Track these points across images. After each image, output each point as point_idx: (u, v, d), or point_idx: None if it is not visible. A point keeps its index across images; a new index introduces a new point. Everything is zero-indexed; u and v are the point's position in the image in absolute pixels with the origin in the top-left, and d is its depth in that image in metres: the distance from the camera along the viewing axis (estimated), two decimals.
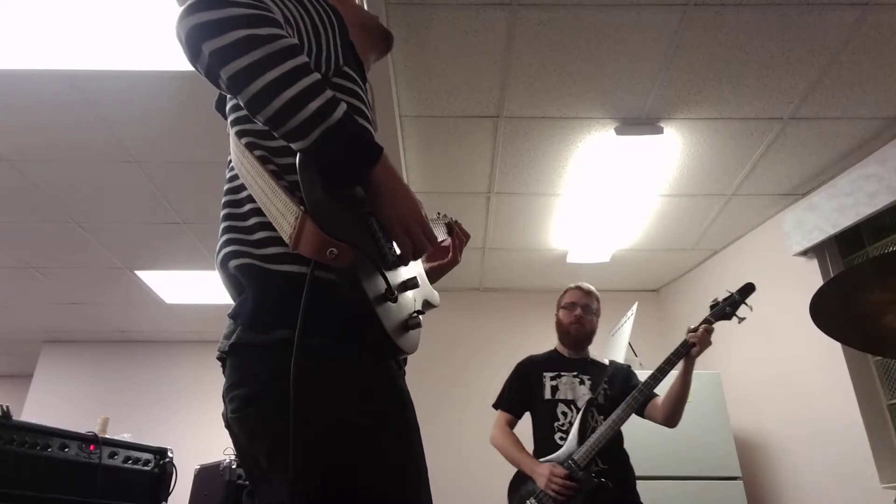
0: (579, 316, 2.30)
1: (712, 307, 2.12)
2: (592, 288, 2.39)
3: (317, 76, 0.78)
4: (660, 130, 2.79)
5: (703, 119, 2.77)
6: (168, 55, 2.36)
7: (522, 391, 2.32)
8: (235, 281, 0.90)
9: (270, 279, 0.84)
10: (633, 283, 4.60)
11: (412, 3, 2.19)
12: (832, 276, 3.11)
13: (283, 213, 0.80)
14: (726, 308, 2.08)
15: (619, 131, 2.80)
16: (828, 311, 1.57)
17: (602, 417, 2.13)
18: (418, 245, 0.88)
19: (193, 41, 0.76)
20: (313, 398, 0.76)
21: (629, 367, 2.34)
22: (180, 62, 2.38)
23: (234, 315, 0.87)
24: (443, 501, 1.03)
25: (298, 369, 0.74)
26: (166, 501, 2.59)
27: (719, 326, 2.03)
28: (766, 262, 3.52)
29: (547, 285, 4.63)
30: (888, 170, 2.72)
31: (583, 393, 2.21)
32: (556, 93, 2.62)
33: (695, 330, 2.05)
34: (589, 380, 2.24)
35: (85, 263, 4.05)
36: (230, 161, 0.97)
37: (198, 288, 4.46)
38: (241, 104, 0.78)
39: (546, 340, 4.51)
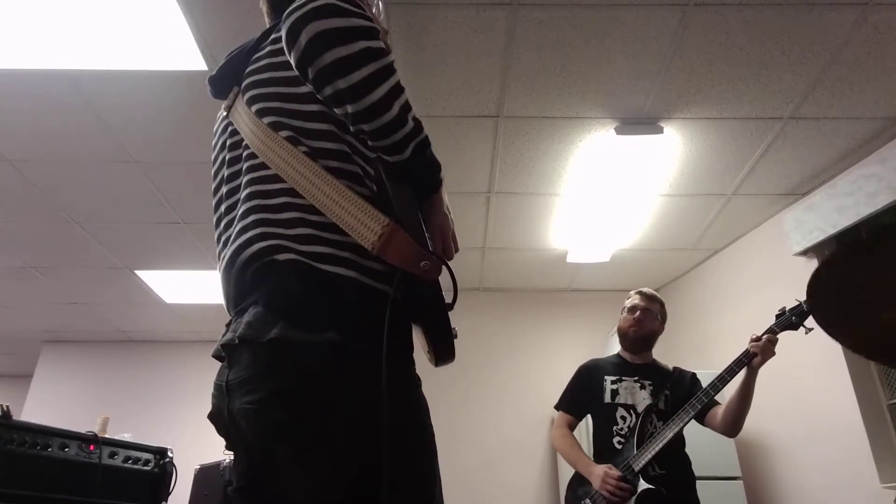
0: (638, 318, 2.28)
1: (778, 316, 2.01)
2: (656, 293, 2.38)
3: (406, 92, 0.84)
4: (660, 130, 2.79)
5: (703, 119, 2.77)
6: (168, 55, 2.36)
7: (583, 394, 2.33)
8: (247, 276, 0.87)
9: (320, 279, 0.82)
10: (633, 283, 4.57)
11: (412, 2, 2.19)
12: None
13: (359, 219, 0.81)
14: (792, 318, 1.97)
15: (619, 131, 2.80)
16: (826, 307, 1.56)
17: (661, 423, 2.12)
18: (448, 253, 0.94)
19: (317, 46, 0.77)
20: (364, 402, 0.78)
21: (694, 374, 2.30)
22: (180, 62, 2.39)
23: (275, 308, 0.82)
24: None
25: (385, 376, 0.77)
26: (166, 501, 2.59)
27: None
28: (766, 261, 3.52)
29: (547, 285, 4.64)
30: (888, 170, 2.72)
31: (643, 398, 2.20)
32: (556, 93, 2.62)
33: (757, 339, 1.98)
34: (650, 385, 2.23)
35: (85, 263, 4.05)
36: (244, 144, 0.94)
37: (198, 288, 4.46)
38: (350, 112, 0.80)
39: (546, 340, 4.56)
